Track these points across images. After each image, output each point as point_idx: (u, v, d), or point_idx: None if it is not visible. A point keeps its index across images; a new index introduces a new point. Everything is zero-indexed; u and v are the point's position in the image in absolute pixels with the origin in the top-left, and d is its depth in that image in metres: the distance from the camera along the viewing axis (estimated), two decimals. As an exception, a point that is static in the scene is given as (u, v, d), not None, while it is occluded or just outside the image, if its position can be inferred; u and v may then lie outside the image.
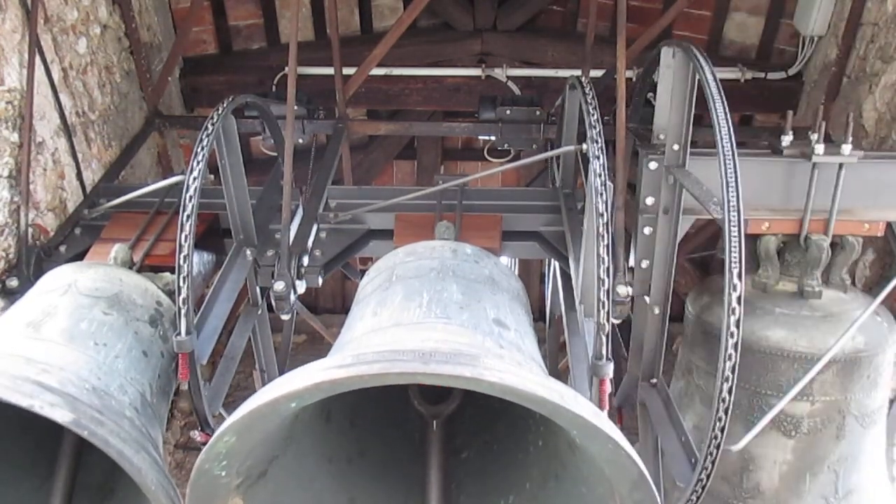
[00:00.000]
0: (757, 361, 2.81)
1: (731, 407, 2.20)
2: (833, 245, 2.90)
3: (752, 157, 2.93)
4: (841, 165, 2.82)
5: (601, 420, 1.69)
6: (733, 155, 2.31)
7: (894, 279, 2.90)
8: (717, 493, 2.94)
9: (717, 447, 2.24)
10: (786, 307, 2.88)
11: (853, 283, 3.13)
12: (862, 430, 2.90)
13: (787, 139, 2.90)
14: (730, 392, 2.18)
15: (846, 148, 2.80)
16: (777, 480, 2.88)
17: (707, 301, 3.07)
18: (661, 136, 2.88)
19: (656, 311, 2.88)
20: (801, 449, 2.86)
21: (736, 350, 2.18)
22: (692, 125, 2.66)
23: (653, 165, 2.86)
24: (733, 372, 2.18)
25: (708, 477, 2.30)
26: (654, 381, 2.99)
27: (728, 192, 2.26)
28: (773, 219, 2.90)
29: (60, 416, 1.99)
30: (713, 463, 2.27)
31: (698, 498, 2.35)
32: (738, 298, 2.16)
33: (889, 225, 2.94)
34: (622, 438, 1.69)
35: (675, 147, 2.81)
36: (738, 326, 2.17)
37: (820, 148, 2.81)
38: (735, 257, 2.18)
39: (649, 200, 2.88)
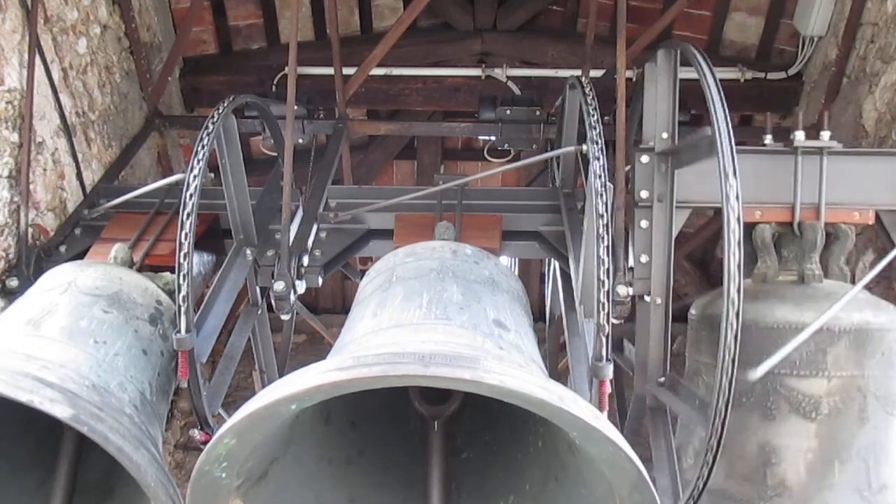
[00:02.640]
0: (765, 339, 2.69)
1: (731, 399, 2.16)
2: (828, 236, 2.91)
3: (738, 154, 2.95)
4: (823, 150, 2.84)
5: (601, 422, 1.69)
6: (732, 149, 2.30)
7: (891, 253, 2.87)
8: (739, 496, 2.73)
9: (719, 442, 2.20)
10: (789, 291, 2.84)
11: (853, 281, 3.13)
12: (887, 415, 2.75)
13: (769, 138, 2.93)
14: (730, 385, 2.15)
15: (825, 134, 2.84)
16: (803, 472, 2.67)
17: (709, 300, 3.06)
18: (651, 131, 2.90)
19: (658, 301, 2.87)
20: (825, 434, 2.67)
21: (736, 341, 2.14)
22: (691, 125, 2.67)
23: (644, 159, 2.87)
24: (733, 364, 2.15)
25: (709, 472, 2.24)
26: (662, 379, 2.94)
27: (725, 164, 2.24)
28: (765, 207, 2.90)
29: (60, 411, 1.99)
30: (714, 458, 2.22)
31: (699, 494, 2.31)
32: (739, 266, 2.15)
33: (878, 214, 2.96)
34: (622, 440, 1.69)
35: (665, 135, 2.82)
36: (737, 318, 2.14)
37: (801, 135, 2.83)
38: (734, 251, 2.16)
39: (644, 194, 2.88)
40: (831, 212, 2.88)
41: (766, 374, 2.59)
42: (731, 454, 2.60)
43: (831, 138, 2.91)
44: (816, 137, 2.88)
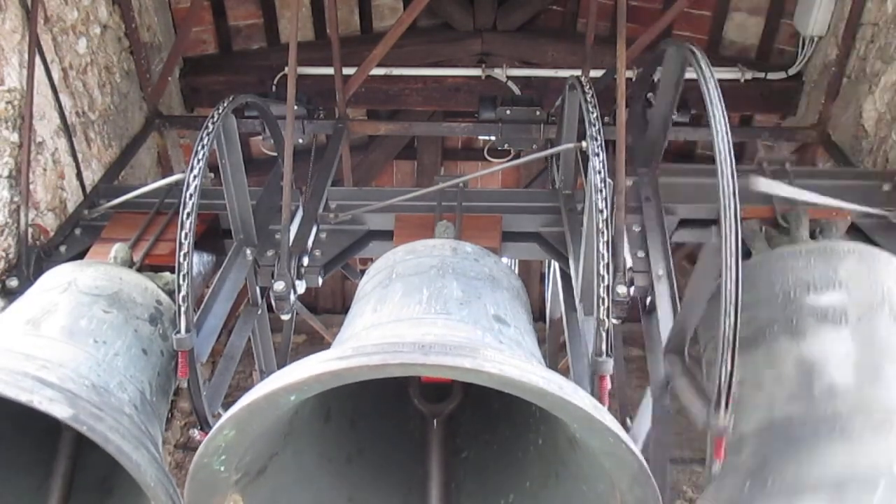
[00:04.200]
0: (776, 270, 2.66)
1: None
2: (812, 233, 2.92)
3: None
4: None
5: (601, 412, 1.69)
6: (730, 155, 2.30)
7: None
8: (790, 417, 2.41)
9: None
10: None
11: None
12: None
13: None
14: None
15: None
16: (850, 374, 2.40)
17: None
18: None
19: (660, 272, 2.87)
20: (862, 335, 2.49)
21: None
22: (691, 126, 2.66)
23: None
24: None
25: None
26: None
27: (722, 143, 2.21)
28: (748, 206, 2.93)
29: (59, 411, 1.99)
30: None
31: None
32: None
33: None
34: (622, 431, 1.69)
35: None
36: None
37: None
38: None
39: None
40: (811, 210, 2.90)
41: (786, 298, 2.53)
42: (767, 387, 2.45)
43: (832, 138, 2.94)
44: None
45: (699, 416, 2.11)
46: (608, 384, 2.30)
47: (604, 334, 2.31)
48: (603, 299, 2.30)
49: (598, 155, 2.49)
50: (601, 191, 2.41)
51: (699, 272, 2.39)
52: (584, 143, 2.74)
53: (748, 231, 2.92)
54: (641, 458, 1.70)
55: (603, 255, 2.34)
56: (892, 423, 2.26)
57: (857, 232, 3.01)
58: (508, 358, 1.71)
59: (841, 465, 2.16)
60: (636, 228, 2.95)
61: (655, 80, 3.20)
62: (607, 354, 2.31)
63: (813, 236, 2.90)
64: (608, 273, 2.33)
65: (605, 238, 2.35)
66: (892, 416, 2.28)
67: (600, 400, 2.29)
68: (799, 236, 2.88)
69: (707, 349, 2.85)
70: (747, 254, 2.95)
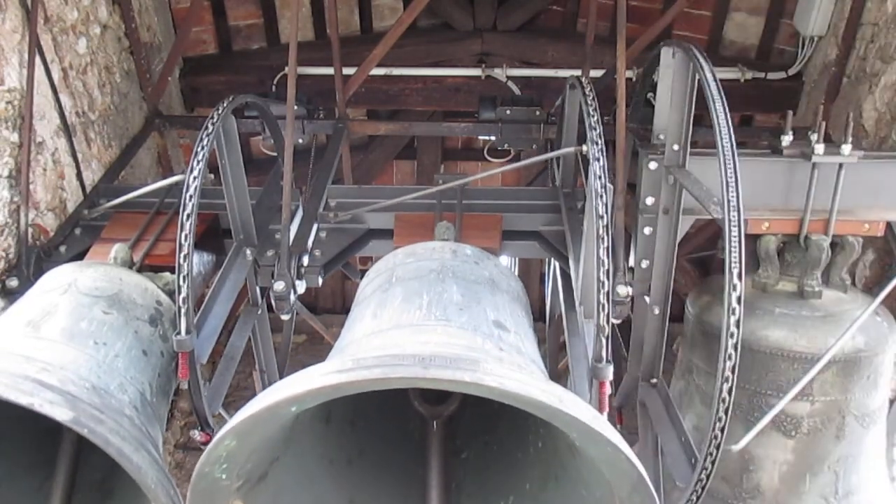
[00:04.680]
0: (757, 361, 2.81)
1: (731, 407, 2.20)
2: (833, 245, 2.90)
3: (751, 157, 2.94)
4: (841, 165, 2.82)
5: (600, 423, 1.69)
6: (733, 156, 2.32)
7: (895, 279, 2.89)
8: (717, 493, 2.93)
9: (718, 447, 2.24)
10: (786, 307, 2.88)
11: (853, 283, 3.13)
12: (862, 430, 2.90)
13: (787, 139, 2.90)
14: (730, 392, 2.18)
15: (846, 148, 2.80)
16: (777, 480, 2.88)
17: (707, 301, 3.07)
18: (661, 137, 2.88)
19: (656, 311, 2.88)
20: (801, 449, 2.85)
21: (736, 350, 2.18)
22: (692, 125, 2.65)
23: (653, 166, 2.86)
24: (733, 372, 2.19)
25: (708, 477, 2.30)
26: (654, 381, 2.99)
27: (728, 192, 2.26)
28: (773, 219, 2.90)
29: (60, 414, 1.99)
30: (713, 463, 2.27)
31: (698, 498, 2.35)
32: (739, 299, 2.16)
33: (889, 225, 2.94)
34: (621, 441, 1.69)
35: (675, 147, 2.81)
36: (738, 327, 2.17)
37: (820, 148, 2.81)
38: (735, 258, 2.18)
39: (649, 200, 2.88)
40: (840, 224, 2.88)
41: (754, 392, 2.68)
42: None
43: (832, 139, 2.91)
44: (830, 140, 2.86)
45: None
46: (608, 389, 2.31)
47: (603, 340, 2.31)
48: (603, 305, 2.30)
49: (598, 159, 2.48)
50: (601, 196, 2.40)
51: None
52: (584, 147, 2.74)
53: (763, 248, 2.92)
54: (641, 467, 1.70)
55: (603, 260, 2.34)
56: None
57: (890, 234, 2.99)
58: (508, 370, 1.71)
59: None
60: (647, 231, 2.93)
61: (655, 80, 3.20)
62: (607, 361, 2.31)
63: (833, 250, 2.90)
64: (608, 279, 2.33)
65: (606, 244, 2.35)
66: None
67: (600, 404, 2.29)
68: (809, 274, 2.90)
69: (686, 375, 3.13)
70: (755, 259, 2.96)
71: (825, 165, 2.82)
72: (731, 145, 2.33)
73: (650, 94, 3.61)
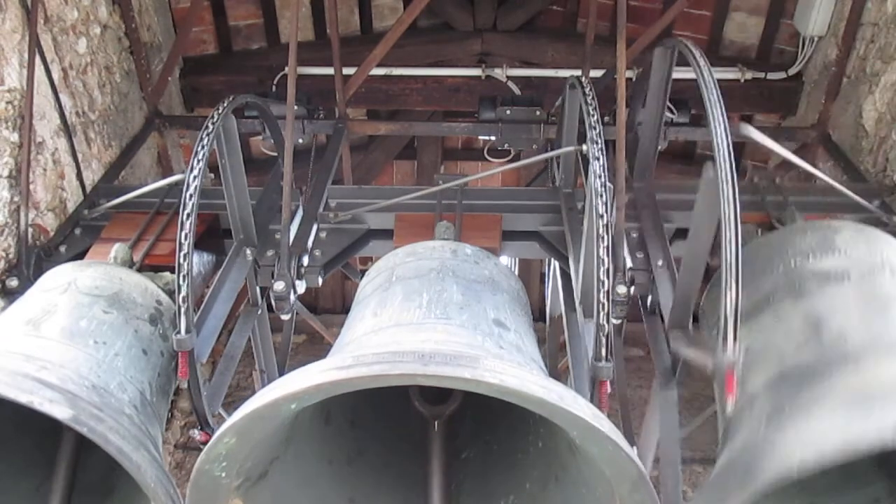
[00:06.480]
0: (773, 246, 2.67)
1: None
2: None
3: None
4: None
5: (601, 421, 1.69)
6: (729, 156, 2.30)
7: None
8: (798, 362, 2.32)
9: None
10: None
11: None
12: None
13: None
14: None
15: None
16: (858, 319, 2.34)
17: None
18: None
19: (660, 262, 2.88)
20: (865, 290, 2.44)
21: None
22: (692, 125, 2.66)
23: None
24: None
25: None
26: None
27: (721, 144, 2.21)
28: (743, 214, 2.92)
29: (60, 412, 1.99)
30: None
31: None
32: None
33: None
34: (622, 439, 1.69)
35: None
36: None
37: None
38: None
39: None
40: (807, 216, 2.91)
41: (787, 267, 2.55)
42: (774, 346, 2.40)
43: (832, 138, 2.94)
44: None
45: (709, 363, 2.10)
46: (608, 389, 2.30)
47: (604, 339, 2.31)
48: (603, 304, 2.30)
49: (598, 159, 2.48)
50: (601, 195, 2.40)
51: (698, 216, 2.36)
52: (584, 147, 2.74)
53: (746, 233, 2.91)
54: (641, 465, 1.71)
55: (603, 259, 2.34)
56: None
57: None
58: (508, 367, 1.71)
59: (856, 390, 2.07)
60: (634, 235, 2.94)
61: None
62: (607, 360, 2.31)
63: None
64: (608, 278, 2.32)
65: (606, 243, 2.35)
66: None
67: (600, 404, 2.29)
68: None
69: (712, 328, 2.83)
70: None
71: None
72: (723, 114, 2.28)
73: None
